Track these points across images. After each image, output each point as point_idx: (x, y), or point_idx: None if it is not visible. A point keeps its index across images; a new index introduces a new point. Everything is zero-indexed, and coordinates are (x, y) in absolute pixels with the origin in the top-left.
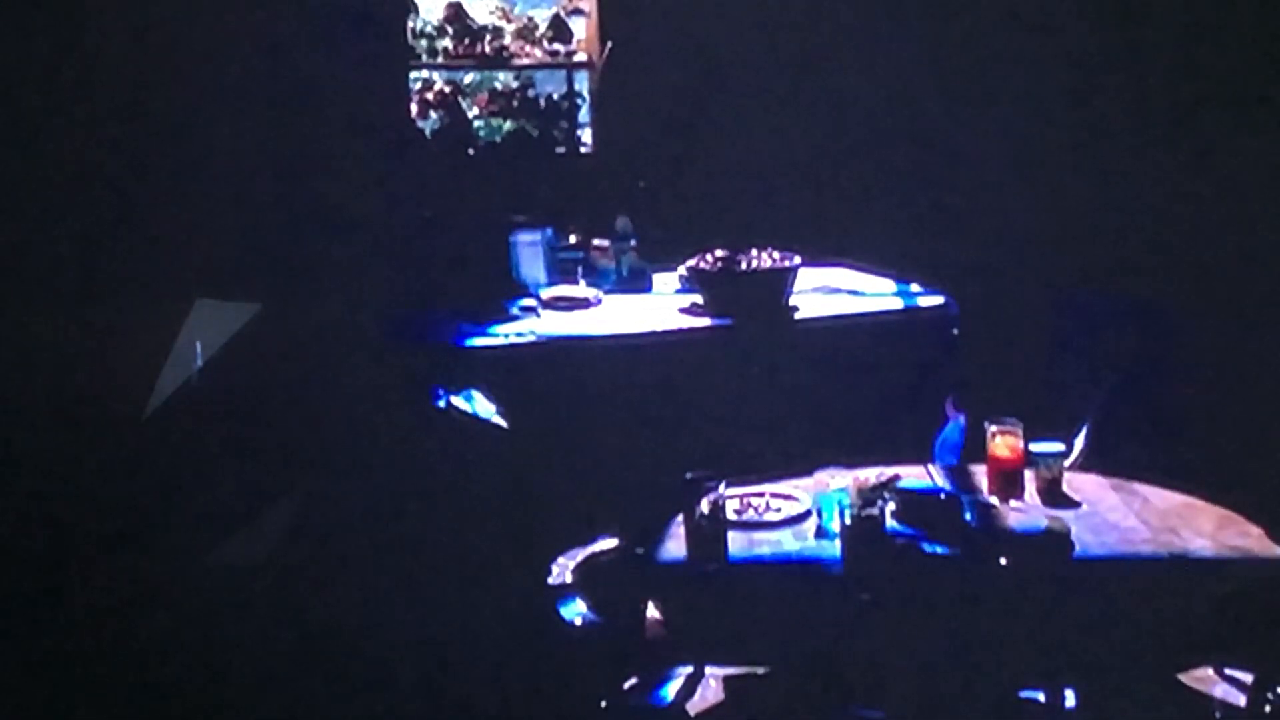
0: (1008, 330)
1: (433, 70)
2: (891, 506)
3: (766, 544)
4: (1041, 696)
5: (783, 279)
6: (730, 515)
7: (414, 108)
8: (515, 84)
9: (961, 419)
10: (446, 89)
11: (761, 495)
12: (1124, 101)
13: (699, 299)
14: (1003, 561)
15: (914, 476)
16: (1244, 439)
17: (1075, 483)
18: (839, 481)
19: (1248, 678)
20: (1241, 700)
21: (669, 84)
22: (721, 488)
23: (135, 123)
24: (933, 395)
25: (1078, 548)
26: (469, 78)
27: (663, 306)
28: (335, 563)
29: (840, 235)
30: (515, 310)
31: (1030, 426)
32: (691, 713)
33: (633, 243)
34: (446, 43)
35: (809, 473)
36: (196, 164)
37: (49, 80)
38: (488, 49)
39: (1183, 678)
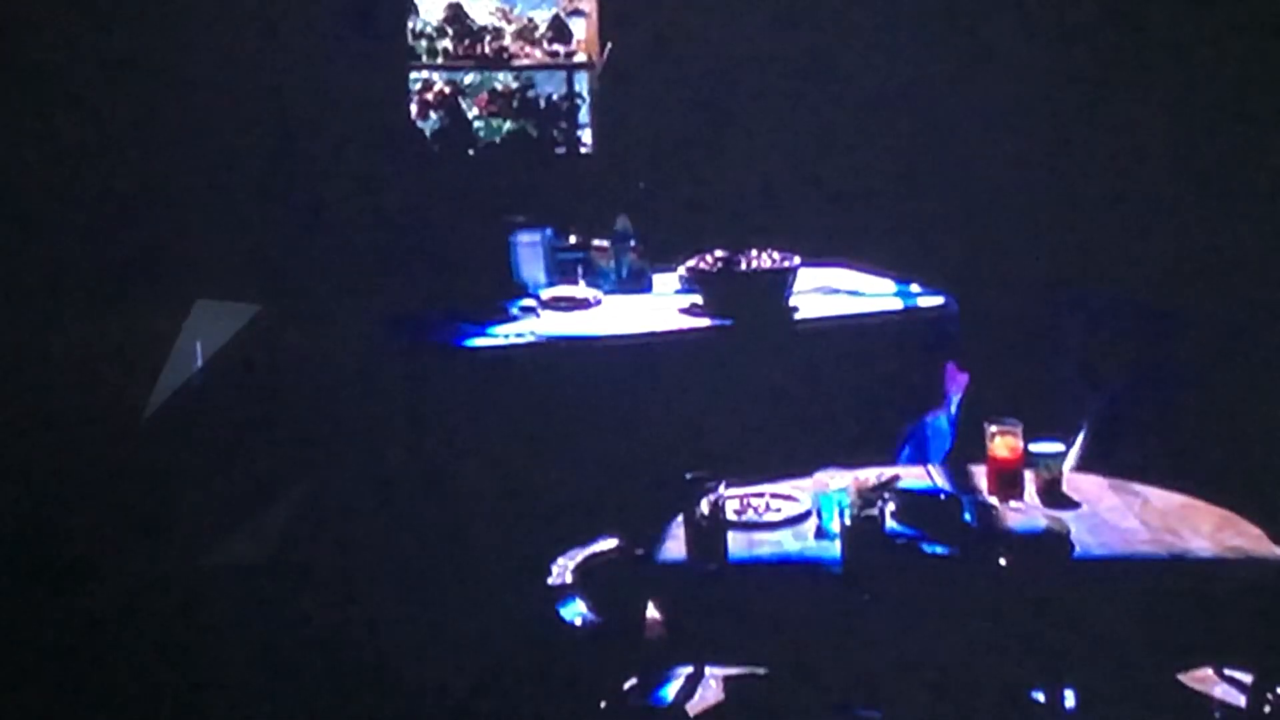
0: (1008, 330)
1: (433, 70)
2: (891, 507)
3: (766, 544)
4: (1041, 696)
5: (783, 279)
6: (730, 515)
7: (414, 108)
8: (515, 84)
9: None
10: (446, 89)
11: (761, 495)
12: (1125, 102)
13: (699, 299)
14: (1003, 562)
15: (914, 476)
16: (1244, 439)
17: (1075, 483)
18: (839, 481)
19: (1248, 678)
20: (1241, 700)
21: (669, 84)
22: (721, 488)
23: (136, 124)
24: (933, 396)
25: (1077, 548)
26: (469, 78)
27: (663, 306)
28: (335, 563)
29: (840, 235)
30: (515, 310)
31: (1030, 426)
32: (691, 713)
33: (633, 243)
34: (446, 43)
35: (809, 473)
36: (197, 165)
37: (50, 82)
38: (488, 49)
39: (1183, 678)
